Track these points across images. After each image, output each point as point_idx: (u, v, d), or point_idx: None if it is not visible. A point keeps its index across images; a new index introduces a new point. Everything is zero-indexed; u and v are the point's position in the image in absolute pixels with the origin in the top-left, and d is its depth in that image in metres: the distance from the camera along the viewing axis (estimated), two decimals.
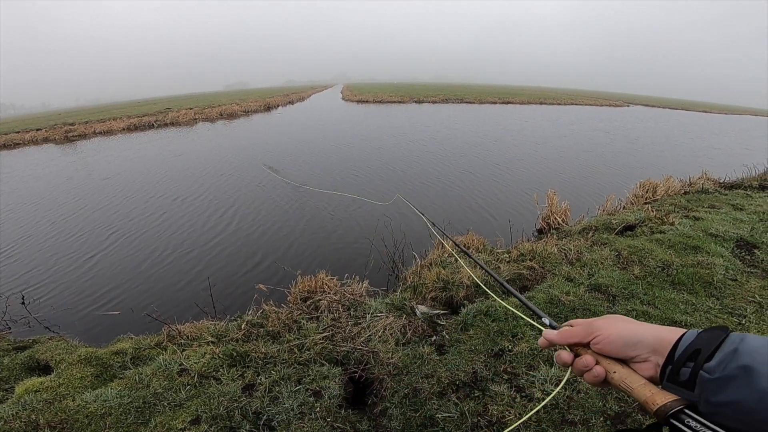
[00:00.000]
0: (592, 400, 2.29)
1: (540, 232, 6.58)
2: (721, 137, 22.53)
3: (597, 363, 0.67)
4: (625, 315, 0.74)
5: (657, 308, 3.25)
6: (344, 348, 3.03)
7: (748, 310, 3.20)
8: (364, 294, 3.89)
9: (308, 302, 3.76)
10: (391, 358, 2.88)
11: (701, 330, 0.60)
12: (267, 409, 2.43)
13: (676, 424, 0.53)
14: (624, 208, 7.06)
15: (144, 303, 4.86)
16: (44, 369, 3.21)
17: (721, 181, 8.36)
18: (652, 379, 0.62)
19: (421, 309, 3.53)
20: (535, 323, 0.84)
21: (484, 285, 3.12)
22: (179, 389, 2.63)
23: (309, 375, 2.74)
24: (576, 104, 45.80)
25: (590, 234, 5.16)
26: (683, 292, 3.50)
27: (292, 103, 45.21)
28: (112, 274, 5.64)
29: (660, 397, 0.57)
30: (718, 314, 3.17)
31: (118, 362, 3.09)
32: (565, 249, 4.59)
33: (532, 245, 4.70)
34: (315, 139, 17.33)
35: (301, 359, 2.91)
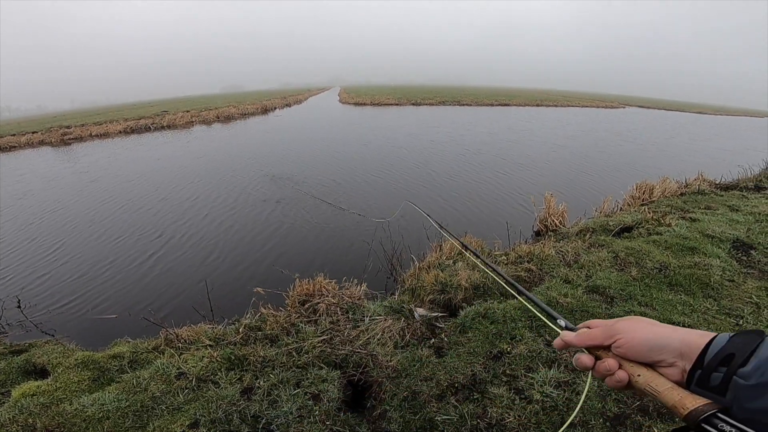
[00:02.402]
0: (591, 401, 2.30)
1: (537, 234, 6.59)
2: (724, 139, 22.72)
3: (620, 367, 0.64)
4: (622, 316, 0.73)
5: (655, 309, 3.26)
6: (343, 351, 3.03)
7: (746, 311, 3.21)
8: (362, 297, 3.89)
9: (306, 306, 3.75)
10: (390, 361, 2.88)
11: (733, 334, 0.58)
12: (266, 412, 2.42)
13: (709, 428, 0.52)
14: (621, 209, 7.09)
15: (141, 306, 4.84)
16: (41, 373, 3.19)
17: (717, 183, 8.40)
18: (677, 384, 0.60)
19: (420, 312, 3.53)
20: (551, 324, 0.81)
21: (497, 286, 3.12)
22: (177, 393, 2.62)
23: (308, 378, 2.73)
24: (573, 106, 46.03)
25: (587, 236, 5.17)
26: (681, 293, 3.52)
27: (289, 105, 45.16)
28: (110, 278, 5.62)
29: (690, 401, 0.55)
30: (715, 315, 3.18)
31: (116, 366, 3.07)
32: (562, 251, 4.61)
33: (530, 247, 4.72)
34: (325, 140, 17.40)
35: (299, 363, 2.91)
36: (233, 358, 2.96)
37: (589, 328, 0.71)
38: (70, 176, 12.54)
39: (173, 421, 2.37)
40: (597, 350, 0.68)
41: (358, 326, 3.36)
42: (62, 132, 23.58)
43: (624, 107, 52.26)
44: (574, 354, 0.71)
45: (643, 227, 5.27)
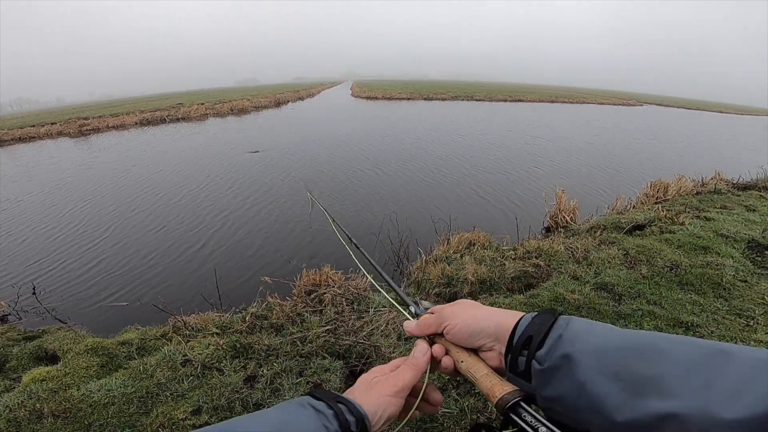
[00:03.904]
0: None
1: (548, 230, 6.53)
2: (746, 138, 22.26)
3: (447, 353, 0.64)
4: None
5: (663, 308, 3.21)
6: (346, 342, 3.04)
7: (757, 311, 3.14)
8: (367, 288, 3.90)
9: (312, 296, 3.77)
10: (393, 352, 2.88)
11: (536, 313, 0.56)
12: (268, 400, 2.44)
13: (514, 418, 0.50)
14: (634, 207, 6.97)
15: (152, 294, 4.90)
16: (52, 359, 3.26)
17: (735, 182, 8.21)
18: (498, 369, 0.58)
19: (425, 304, 3.52)
20: (404, 312, 0.79)
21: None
22: (182, 380, 2.66)
23: (310, 368, 2.75)
24: (588, 102, 45.36)
25: (598, 233, 5.10)
26: (691, 293, 3.46)
27: (302, 99, 45.36)
28: (120, 266, 5.71)
29: (498, 389, 0.53)
30: (725, 315, 3.12)
31: (124, 352, 3.13)
32: (572, 247, 4.55)
33: (539, 243, 4.67)
34: (343, 135, 17.29)
35: (303, 352, 2.93)
36: (238, 346, 2.99)
37: (432, 314, 0.69)
38: (101, 165, 12.76)
39: (176, 407, 2.40)
40: (435, 337, 0.68)
41: (363, 317, 3.37)
42: (80, 123, 23.96)
43: (642, 105, 51.34)
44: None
45: (655, 225, 5.18)
